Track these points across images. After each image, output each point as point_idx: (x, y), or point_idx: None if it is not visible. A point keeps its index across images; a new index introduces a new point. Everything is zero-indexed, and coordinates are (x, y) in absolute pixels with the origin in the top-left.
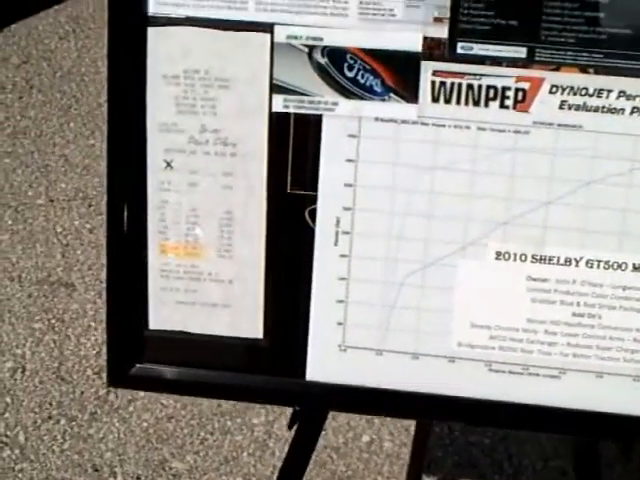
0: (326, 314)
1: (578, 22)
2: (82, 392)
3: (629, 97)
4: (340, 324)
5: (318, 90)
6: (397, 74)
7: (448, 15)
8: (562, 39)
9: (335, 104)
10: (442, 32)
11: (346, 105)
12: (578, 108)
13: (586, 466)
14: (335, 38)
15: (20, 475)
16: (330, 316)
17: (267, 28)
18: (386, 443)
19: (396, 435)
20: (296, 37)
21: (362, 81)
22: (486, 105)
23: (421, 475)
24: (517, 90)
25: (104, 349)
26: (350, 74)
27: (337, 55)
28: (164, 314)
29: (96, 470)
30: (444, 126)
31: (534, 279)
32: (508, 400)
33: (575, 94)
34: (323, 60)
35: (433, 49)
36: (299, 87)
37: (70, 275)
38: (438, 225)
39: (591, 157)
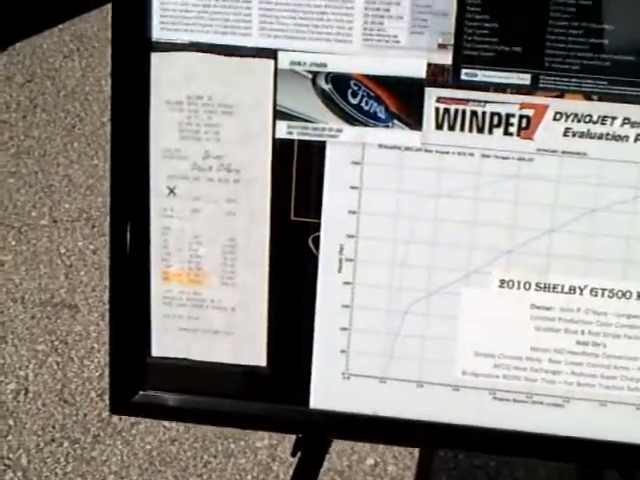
0: (330, 342)
1: (582, 49)
2: (85, 414)
3: (633, 124)
4: (344, 352)
5: (322, 116)
6: (401, 100)
7: (452, 42)
8: (566, 66)
9: (339, 131)
10: (446, 58)
11: (350, 132)
12: (582, 135)
13: None
14: (339, 64)
15: None
16: (334, 344)
17: (271, 54)
18: (390, 467)
19: (400, 459)
20: (300, 63)
21: (366, 108)
22: (490, 132)
23: None
24: (521, 117)
25: (107, 371)
26: (354, 100)
27: (341, 81)
28: (167, 341)
29: None
30: (448, 153)
31: (538, 307)
32: (512, 428)
33: (579, 121)
34: (327, 86)
35: (437, 75)
36: (303, 113)
37: (74, 296)
38: (442, 253)
39: (595, 185)
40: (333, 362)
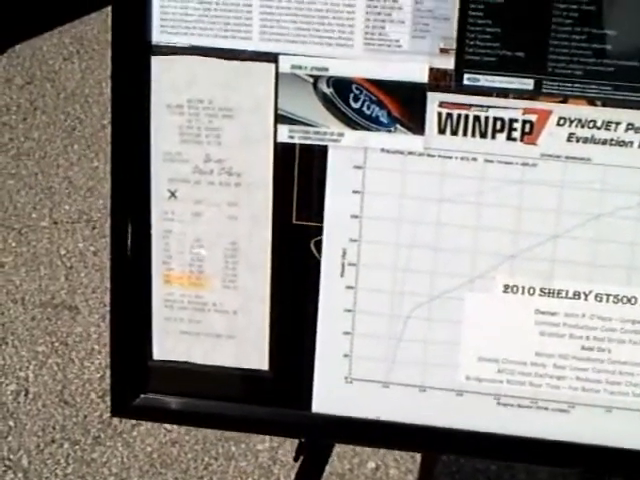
0: (332, 346)
1: (585, 54)
2: (85, 416)
3: (637, 130)
4: (346, 356)
5: (323, 121)
6: (403, 105)
7: (454, 46)
8: (569, 71)
9: (341, 135)
10: (448, 63)
11: (352, 136)
12: (586, 141)
13: None
14: (340, 68)
15: None
16: (336, 348)
17: (271, 58)
18: (392, 470)
19: (402, 462)
20: (301, 67)
21: (368, 112)
22: (493, 137)
23: None
24: (524, 122)
25: (108, 373)
26: (356, 105)
27: (342, 85)
28: (168, 344)
29: None
30: (451, 158)
31: (542, 312)
32: (516, 434)
33: (583, 126)
34: (328, 90)
35: (439, 80)
36: (304, 117)
37: (74, 298)
38: (445, 258)
39: (600, 190)
40: (336, 366)
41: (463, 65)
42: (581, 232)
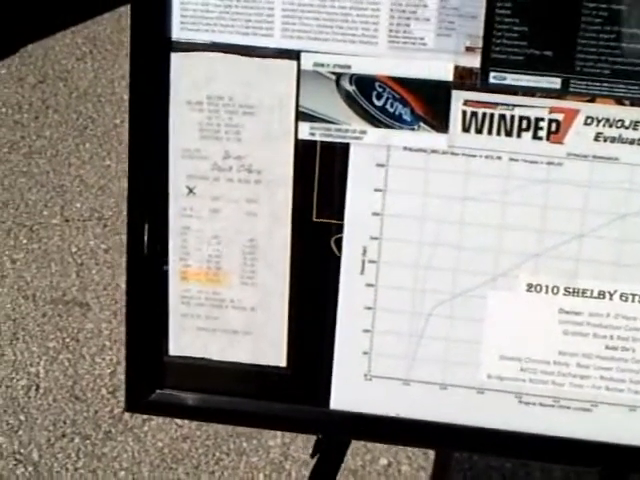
0: (351, 343)
1: (614, 53)
2: (96, 411)
3: None
4: (366, 353)
5: (346, 118)
6: (427, 103)
7: (480, 45)
8: (597, 70)
9: (363, 133)
10: (474, 61)
11: (374, 134)
12: (614, 140)
13: None
14: (363, 66)
15: None
16: (356, 345)
17: (293, 55)
18: (404, 467)
19: (414, 459)
20: (323, 65)
21: (391, 110)
22: (519, 136)
23: None
24: (551, 121)
25: (119, 368)
26: (379, 103)
27: (365, 83)
28: (185, 340)
29: None
30: (475, 156)
31: (566, 312)
32: (538, 433)
33: (611, 126)
34: (351, 88)
35: (464, 78)
36: (326, 115)
37: (85, 295)
38: (468, 256)
39: (627, 190)
40: (355, 363)
41: (489, 63)
42: (606, 231)
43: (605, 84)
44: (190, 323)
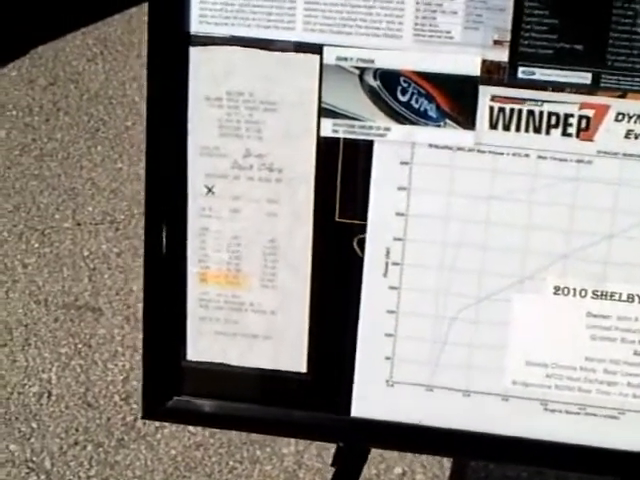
0: (373, 348)
1: None
2: (109, 418)
3: None
4: (388, 359)
5: (369, 114)
6: (453, 99)
7: (509, 38)
8: (629, 64)
9: (387, 129)
10: (502, 56)
11: (399, 130)
12: None
13: None
14: (388, 60)
15: None
16: (378, 350)
17: (316, 49)
18: (418, 475)
19: (428, 468)
20: (346, 59)
21: (416, 106)
22: (547, 132)
23: None
24: (581, 117)
25: (132, 375)
26: (403, 98)
27: (390, 78)
28: (203, 345)
29: None
30: (502, 154)
31: (594, 315)
32: (564, 441)
33: None
34: (375, 83)
35: (492, 73)
36: (349, 111)
37: (97, 300)
38: (494, 257)
39: None
40: (377, 369)
41: (518, 58)
42: (637, 232)
43: (637, 79)
44: (208, 327)
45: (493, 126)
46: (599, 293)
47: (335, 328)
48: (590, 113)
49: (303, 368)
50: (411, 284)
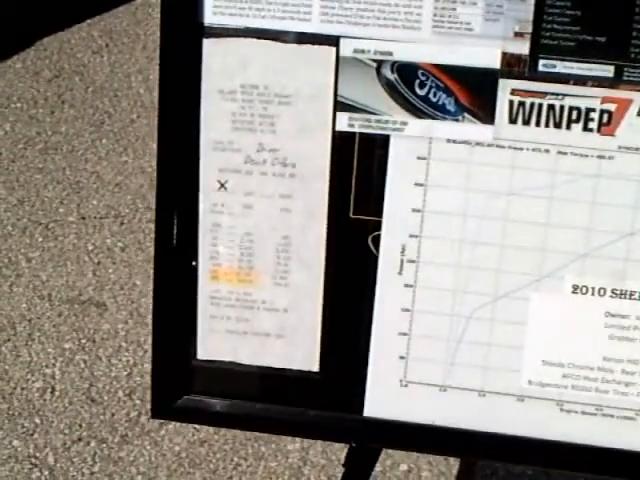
0: (387, 347)
1: None
2: (113, 414)
3: None
4: (402, 358)
5: (386, 108)
6: (472, 92)
7: (530, 30)
8: None
9: (404, 124)
10: (523, 48)
11: (416, 125)
12: None
13: None
14: (406, 53)
15: None
16: (391, 349)
17: (332, 41)
18: (424, 472)
19: (434, 464)
20: (363, 51)
21: (434, 99)
22: (568, 127)
23: None
24: (602, 112)
25: (135, 370)
26: (421, 92)
27: (408, 71)
28: (213, 343)
29: None
30: (522, 149)
31: (613, 315)
32: (579, 442)
33: None
34: (392, 76)
35: (512, 66)
36: (366, 105)
37: (101, 294)
38: (511, 255)
39: None
40: (390, 368)
41: (539, 50)
42: None
43: None
44: (219, 325)
45: (513, 120)
46: (618, 292)
47: (348, 327)
48: (612, 107)
49: (315, 367)
50: (427, 282)
